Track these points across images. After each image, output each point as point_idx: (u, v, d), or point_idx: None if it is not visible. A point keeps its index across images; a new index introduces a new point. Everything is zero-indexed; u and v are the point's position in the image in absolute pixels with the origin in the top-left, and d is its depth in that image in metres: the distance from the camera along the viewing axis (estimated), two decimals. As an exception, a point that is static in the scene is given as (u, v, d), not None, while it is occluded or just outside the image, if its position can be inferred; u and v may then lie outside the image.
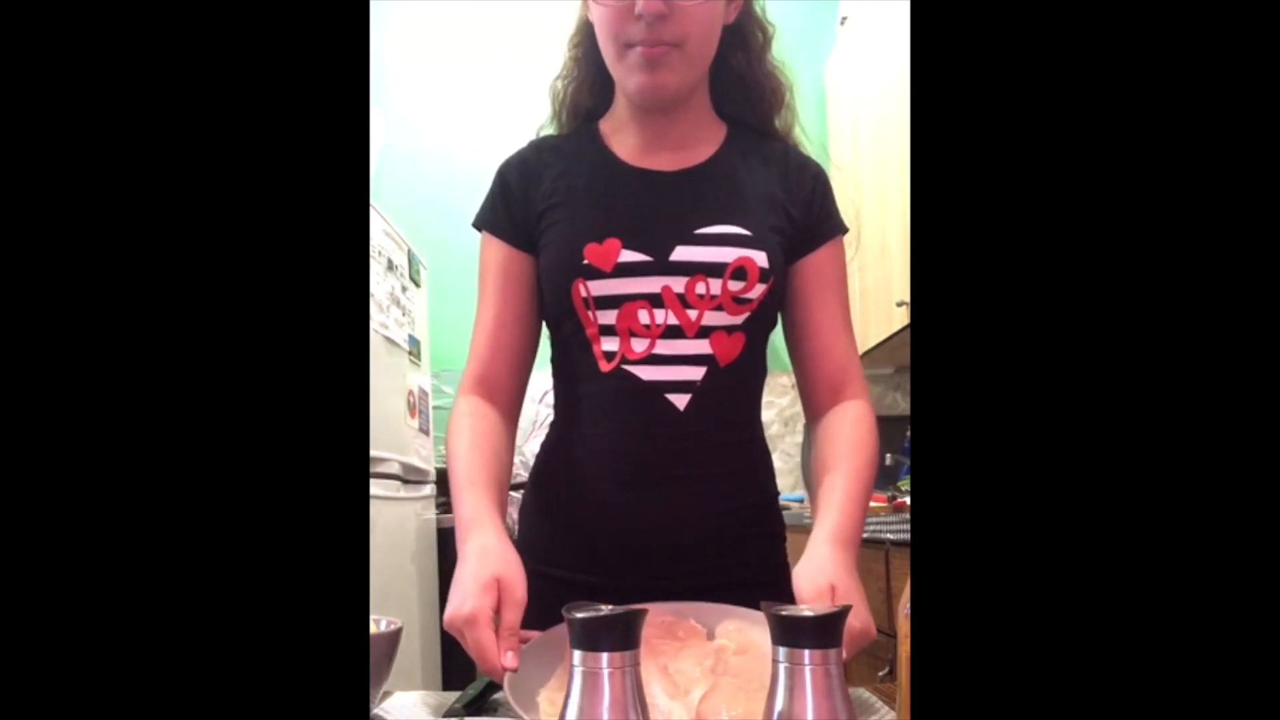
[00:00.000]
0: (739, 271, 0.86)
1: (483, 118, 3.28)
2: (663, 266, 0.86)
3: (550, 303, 0.91)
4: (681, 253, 0.87)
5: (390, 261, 2.49)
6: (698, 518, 0.87)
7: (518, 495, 1.03)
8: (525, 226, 0.92)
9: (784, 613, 0.48)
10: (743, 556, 0.90)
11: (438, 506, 2.83)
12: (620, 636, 0.47)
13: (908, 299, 2.45)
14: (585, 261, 0.87)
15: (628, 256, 0.87)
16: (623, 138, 0.94)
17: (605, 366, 0.88)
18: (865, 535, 1.79)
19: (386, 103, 3.37)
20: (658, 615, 0.67)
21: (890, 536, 1.69)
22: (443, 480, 2.91)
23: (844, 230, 0.95)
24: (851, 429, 0.88)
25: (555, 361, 0.95)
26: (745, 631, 0.69)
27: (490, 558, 0.74)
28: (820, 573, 0.72)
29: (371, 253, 2.31)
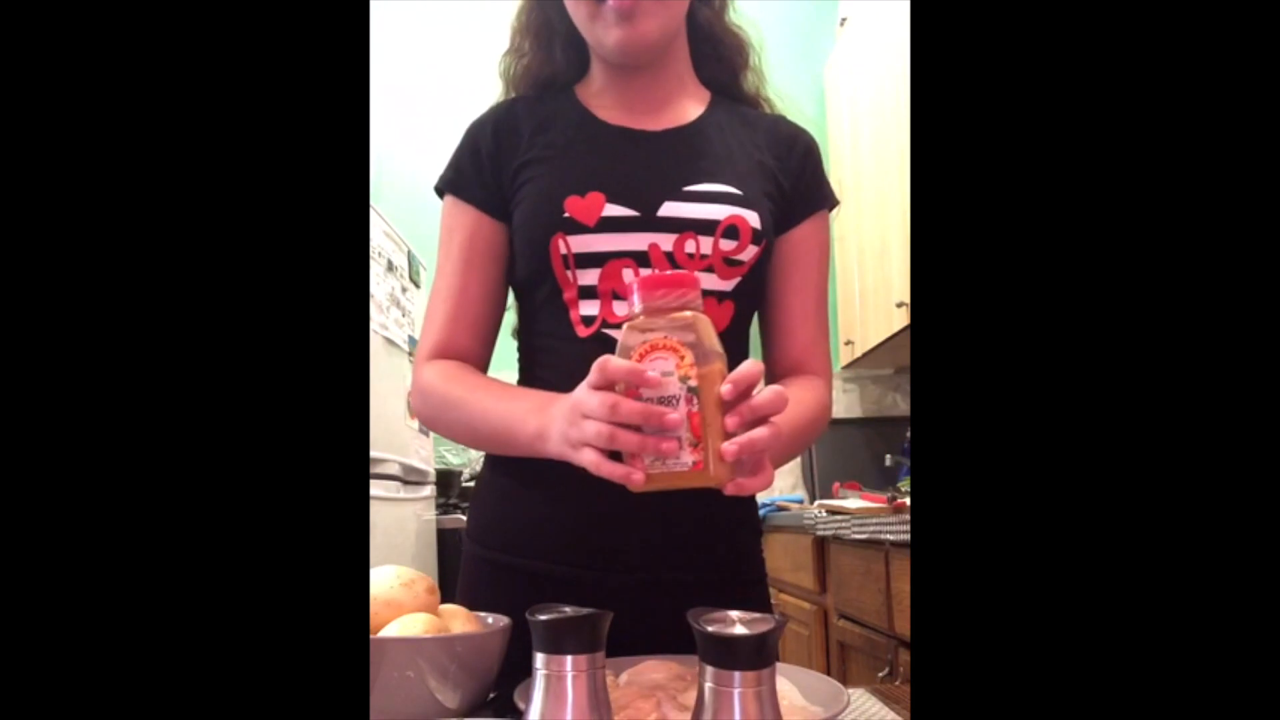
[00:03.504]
0: (731, 230, 0.82)
1: (482, 119, 3.29)
2: (650, 222, 0.81)
3: (525, 263, 0.84)
4: (670, 208, 0.82)
5: (390, 262, 2.49)
6: (688, 503, 0.79)
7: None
8: (497, 189, 0.86)
9: (712, 629, 0.44)
10: (731, 549, 0.86)
11: (437, 507, 2.84)
12: (585, 638, 0.46)
13: (908, 299, 2.46)
14: (566, 215, 0.81)
15: (612, 210, 0.81)
16: (602, 100, 0.89)
17: (583, 331, 0.82)
18: (865, 535, 1.79)
19: (387, 102, 3.38)
20: (664, 664, 0.67)
21: (890, 537, 1.68)
22: (442, 481, 2.93)
23: (833, 203, 0.92)
24: (807, 392, 0.84)
25: (523, 330, 0.89)
26: None
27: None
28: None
29: (371, 254, 2.32)
